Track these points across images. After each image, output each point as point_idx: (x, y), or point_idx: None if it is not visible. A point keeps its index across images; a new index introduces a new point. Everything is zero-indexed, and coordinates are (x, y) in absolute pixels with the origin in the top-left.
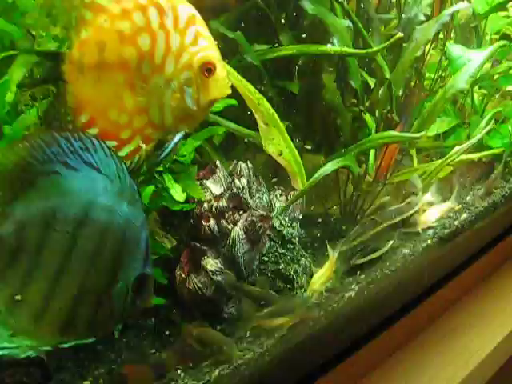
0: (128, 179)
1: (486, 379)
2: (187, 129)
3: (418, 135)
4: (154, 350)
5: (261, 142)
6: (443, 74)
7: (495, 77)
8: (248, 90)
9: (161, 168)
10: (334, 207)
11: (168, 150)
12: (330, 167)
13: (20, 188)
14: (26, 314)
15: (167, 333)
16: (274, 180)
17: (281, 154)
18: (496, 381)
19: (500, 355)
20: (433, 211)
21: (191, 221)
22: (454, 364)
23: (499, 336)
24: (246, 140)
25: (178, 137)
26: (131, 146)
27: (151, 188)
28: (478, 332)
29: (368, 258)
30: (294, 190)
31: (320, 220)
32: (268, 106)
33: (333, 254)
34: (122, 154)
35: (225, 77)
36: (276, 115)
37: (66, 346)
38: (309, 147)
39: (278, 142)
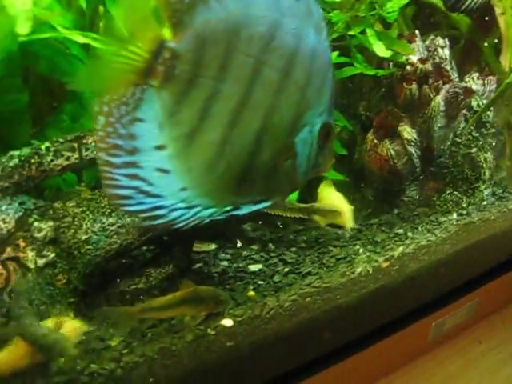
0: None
1: None
2: None
3: None
4: None
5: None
6: None
7: None
8: None
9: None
10: None
11: None
12: None
13: None
14: (199, 157)
15: None
16: None
17: (503, 13)
18: None
19: None
20: None
21: (383, 89)
22: None
23: None
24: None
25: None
26: None
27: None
28: None
29: None
30: (490, 75)
31: None
32: None
33: None
34: None
35: None
36: None
37: (241, 212)
38: None
39: None
